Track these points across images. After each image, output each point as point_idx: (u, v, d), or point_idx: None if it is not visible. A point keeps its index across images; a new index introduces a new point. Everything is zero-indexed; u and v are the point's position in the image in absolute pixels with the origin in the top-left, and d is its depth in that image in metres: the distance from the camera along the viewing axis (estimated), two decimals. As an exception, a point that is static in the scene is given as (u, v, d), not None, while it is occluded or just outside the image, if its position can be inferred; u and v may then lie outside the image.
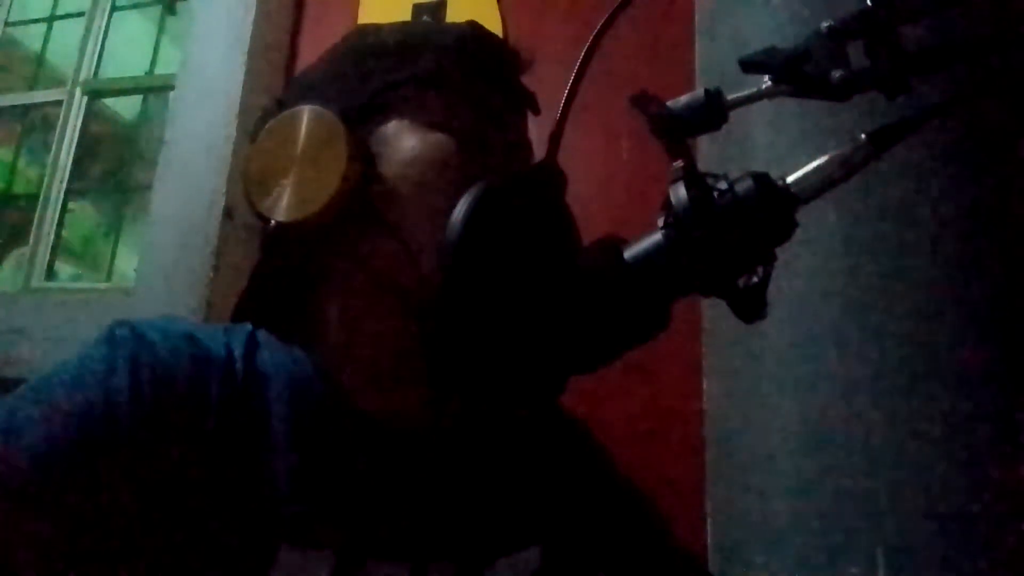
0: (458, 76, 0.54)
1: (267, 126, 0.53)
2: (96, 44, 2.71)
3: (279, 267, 0.56)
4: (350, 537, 0.47)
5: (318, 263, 0.55)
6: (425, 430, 0.53)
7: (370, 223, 0.51)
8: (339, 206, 0.49)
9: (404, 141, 0.52)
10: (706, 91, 0.43)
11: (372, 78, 0.54)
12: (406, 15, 2.09)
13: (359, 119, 0.52)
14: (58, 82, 2.77)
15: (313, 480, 0.48)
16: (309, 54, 2.26)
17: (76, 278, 2.82)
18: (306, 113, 0.51)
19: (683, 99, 0.43)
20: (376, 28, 0.59)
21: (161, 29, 2.77)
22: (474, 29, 0.57)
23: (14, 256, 2.68)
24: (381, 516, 0.49)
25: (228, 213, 2.05)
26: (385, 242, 0.51)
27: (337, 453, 0.50)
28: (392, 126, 0.53)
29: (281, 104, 0.54)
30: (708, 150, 1.36)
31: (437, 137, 0.52)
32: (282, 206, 0.50)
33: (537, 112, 0.59)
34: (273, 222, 0.50)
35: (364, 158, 0.51)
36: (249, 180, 0.52)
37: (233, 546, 0.45)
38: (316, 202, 0.49)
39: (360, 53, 0.56)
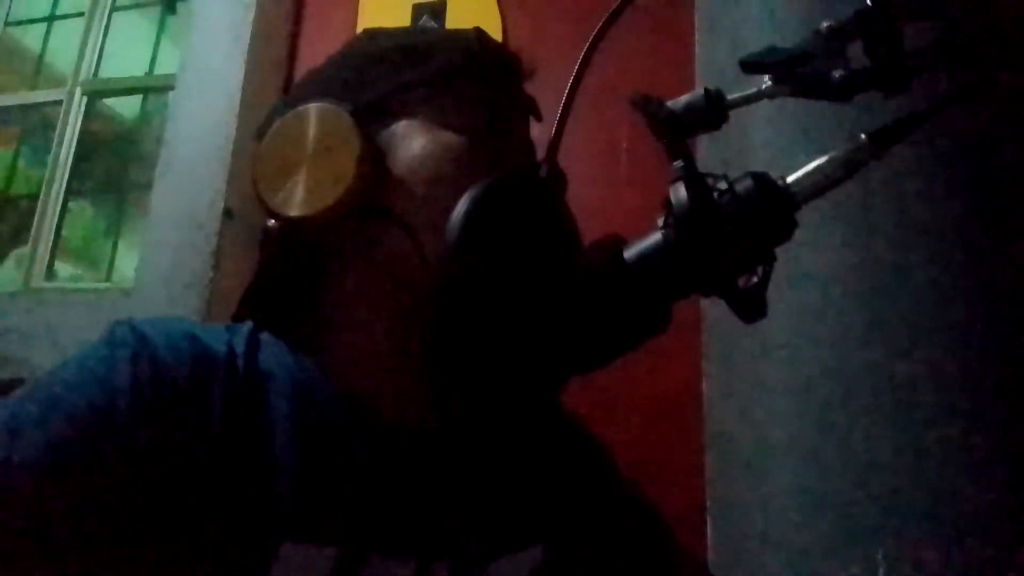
0: (468, 79, 0.55)
1: (278, 123, 0.53)
2: (96, 44, 2.71)
3: (285, 264, 0.56)
4: (352, 534, 0.48)
5: (325, 260, 0.55)
6: (427, 428, 0.54)
7: (379, 220, 0.51)
8: (349, 203, 0.50)
9: (415, 140, 0.53)
10: (706, 91, 0.43)
11: (383, 79, 0.55)
12: (406, 15, 2.09)
13: (370, 117, 0.53)
14: (58, 82, 2.77)
15: (316, 477, 0.48)
16: (309, 54, 2.27)
17: (76, 278, 2.81)
18: (317, 110, 0.52)
19: (683, 99, 0.43)
20: (385, 32, 0.60)
21: (161, 29, 2.77)
22: (480, 35, 0.58)
23: (14, 256, 2.68)
24: (383, 513, 0.49)
25: (228, 213, 2.05)
26: (394, 240, 0.51)
27: (339, 450, 0.50)
28: (403, 125, 0.53)
29: (289, 103, 0.55)
30: (708, 150, 1.36)
31: (448, 136, 0.53)
32: (294, 201, 0.51)
33: (539, 118, 0.60)
34: (284, 217, 0.51)
35: (374, 156, 0.52)
36: (259, 176, 0.52)
37: (236, 543, 0.45)
38: (327, 198, 0.50)
39: (370, 55, 0.57)
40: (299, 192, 0.51)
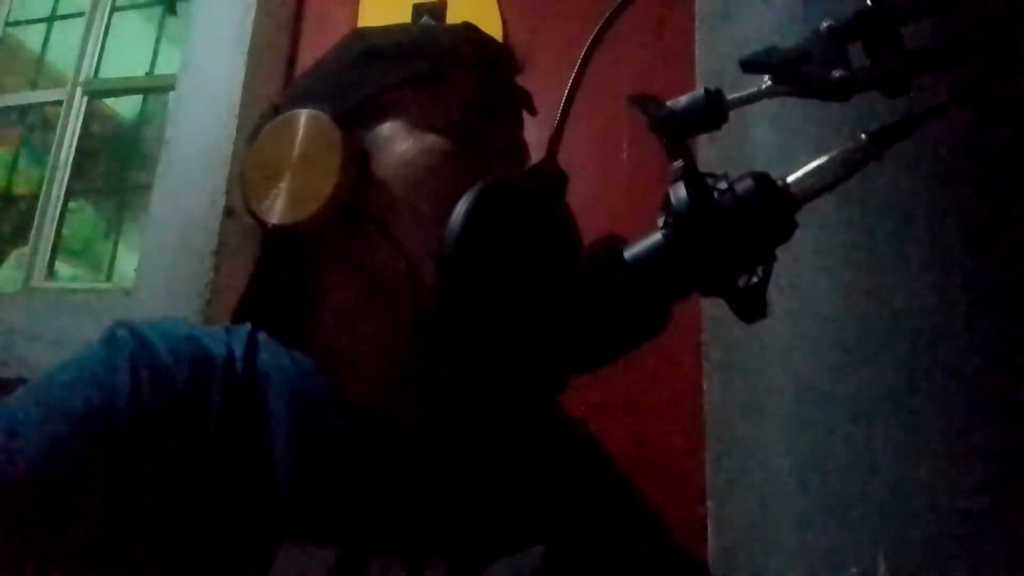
0: (454, 78, 0.54)
1: (264, 129, 0.53)
2: (96, 44, 2.70)
3: (277, 269, 0.56)
4: (351, 535, 0.48)
5: (315, 265, 0.55)
6: (423, 430, 0.53)
7: (365, 225, 0.51)
8: (335, 209, 0.50)
9: (399, 143, 0.53)
10: (706, 91, 0.43)
11: (368, 80, 0.54)
12: (406, 15, 2.09)
13: (355, 121, 0.52)
14: (58, 82, 2.77)
15: (313, 479, 0.48)
16: (309, 54, 2.26)
17: (76, 278, 2.81)
18: (302, 116, 0.52)
19: (683, 99, 0.43)
20: (373, 31, 0.60)
21: (161, 29, 2.77)
22: (470, 31, 0.57)
23: (14, 256, 2.68)
24: (381, 514, 0.49)
25: (228, 213, 2.05)
26: (380, 244, 0.51)
27: (336, 452, 0.50)
28: (388, 127, 0.53)
29: (278, 109, 0.55)
30: (708, 150, 1.36)
31: (433, 139, 0.52)
32: (278, 209, 0.50)
33: (534, 113, 0.60)
34: (270, 225, 0.50)
35: (359, 161, 0.51)
36: (246, 183, 0.52)
37: (234, 544, 0.45)
38: (312, 205, 0.50)
39: (357, 56, 0.56)
40: (283, 200, 0.50)
